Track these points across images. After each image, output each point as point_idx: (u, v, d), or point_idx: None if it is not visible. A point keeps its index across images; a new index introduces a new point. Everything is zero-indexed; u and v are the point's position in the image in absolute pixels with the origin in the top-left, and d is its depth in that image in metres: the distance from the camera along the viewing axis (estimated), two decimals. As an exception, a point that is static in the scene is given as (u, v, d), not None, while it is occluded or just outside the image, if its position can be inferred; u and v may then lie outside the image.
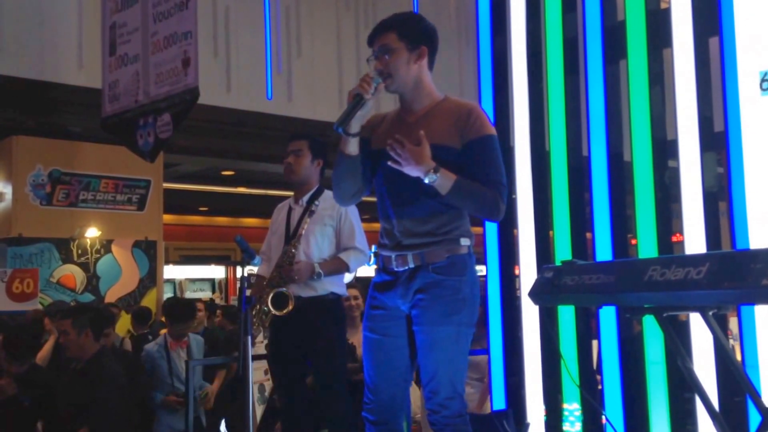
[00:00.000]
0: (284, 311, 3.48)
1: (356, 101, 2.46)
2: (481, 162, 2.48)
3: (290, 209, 3.78)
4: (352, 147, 2.55)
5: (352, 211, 3.71)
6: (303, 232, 3.61)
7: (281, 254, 3.63)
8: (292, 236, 3.67)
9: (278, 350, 3.71)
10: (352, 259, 3.65)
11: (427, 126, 2.52)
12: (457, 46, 9.20)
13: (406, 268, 2.52)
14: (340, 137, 2.56)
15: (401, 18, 2.62)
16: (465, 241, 2.54)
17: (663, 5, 3.46)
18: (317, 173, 3.81)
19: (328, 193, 3.74)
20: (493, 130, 2.54)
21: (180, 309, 5.23)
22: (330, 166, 2.96)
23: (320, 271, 3.56)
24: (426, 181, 2.41)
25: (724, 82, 3.10)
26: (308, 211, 3.65)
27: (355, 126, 2.52)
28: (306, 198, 3.74)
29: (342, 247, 3.68)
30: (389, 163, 2.47)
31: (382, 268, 2.61)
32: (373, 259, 11.19)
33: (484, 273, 4.09)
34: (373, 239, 2.87)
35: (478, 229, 4.10)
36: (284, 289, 3.50)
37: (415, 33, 2.57)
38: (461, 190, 2.44)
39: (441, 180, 2.41)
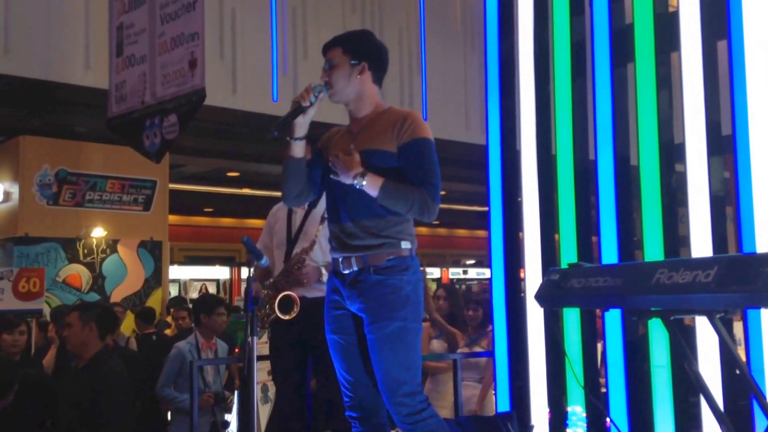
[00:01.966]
0: (290, 315, 3.49)
1: (295, 109, 2.66)
2: (413, 164, 2.63)
3: (291, 211, 3.79)
4: (296, 150, 2.72)
5: None
6: (315, 238, 3.63)
7: (290, 259, 3.63)
8: (295, 238, 3.68)
9: (282, 351, 3.72)
10: None
11: (367, 133, 2.71)
12: (462, 50, 9.20)
13: (351, 270, 2.67)
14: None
15: (349, 35, 2.83)
16: (406, 244, 2.67)
17: (671, 9, 3.46)
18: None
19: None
20: (427, 134, 2.67)
21: (209, 301, 5.32)
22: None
23: (326, 273, 3.58)
24: (355, 185, 2.58)
25: (732, 86, 3.10)
26: (322, 218, 3.67)
27: (298, 131, 2.70)
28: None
29: None
30: (331, 176, 2.68)
31: (333, 270, 2.78)
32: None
33: (488, 275, 4.10)
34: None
35: (483, 233, 4.10)
36: (291, 293, 3.52)
37: (358, 49, 2.76)
38: (389, 192, 2.59)
39: (368, 183, 2.58)
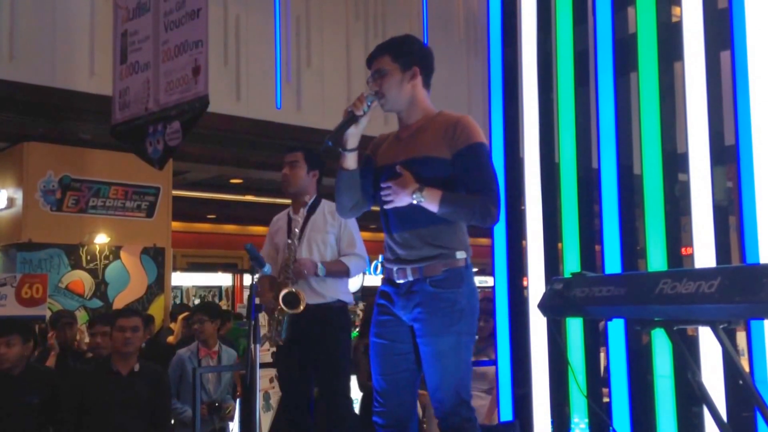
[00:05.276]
0: (297, 310, 3.53)
1: (348, 118, 2.60)
2: (470, 169, 2.59)
3: (290, 220, 3.84)
4: (349, 162, 2.68)
5: (352, 220, 3.78)
6: (305, 238, 3.67)
7: (284, 252, 3.68)
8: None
9: (285, 358, 3.73)
10: (353, 263, 3.74)
11: (418, 140, 2.66)
12: (465, 57, 9.21)
13: (406, 280, 2.63)
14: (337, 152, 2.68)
15: (395, 41, 2.77)
16: (461, 254, 2.63)
17: (674, 19, 3.47)
18: (314, 184, 3.90)
19: (326, 203, 3.82)
20: (481, 138, 2.63)
21: (208, 305, 5.34)
22: (331, 174, 3.07)
23: (322, 266, 3.62)
24: (414, 202, 2.53)
25: (735, 95, 3.10)
26: (307, 221, 3.74)
27: (351, 142, 2.65)
28: (305, 209, 3.80)
29: (342, 253, 3.75)
30: (386, 206, 2.62)
31: (387, 278, 2.72)
32: (380, 268, 11.25)
33: (491, 284, 4.09)
34: (381, 248, 2.91)
35: (485, 240, 4.10)
36: (293, 288, 3.56)
37: (407, 55, 2.71)
38: (449, 203, 2.55)
39: (427, 197, 2.53)
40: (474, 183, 2.57)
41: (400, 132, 2.76)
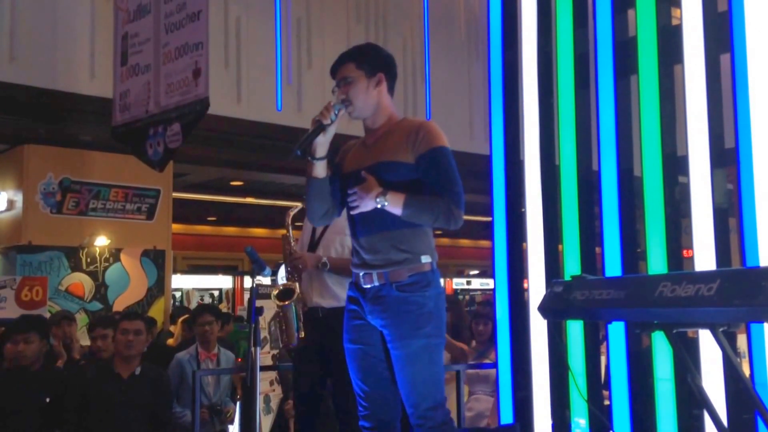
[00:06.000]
0: (288, 301, 3.56)
1: (316, 128, 2.64)
2: (433, 173, 2.63)
3: None
4: (318, 170, 2.72)
5: None
6: (324, 239, 3.71)
7: (283, 248, 3.72)
8: (316, 245, 3.74)
9: (300, 360, 3.74)
10: None
11: (383, 145, 2.71)
12: (466, 60, 9.21)
13: (372, 285, 2.67)
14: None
15: (359, 49, 2.82)
16: (426, 259, 2.67)
17: (674, 21, 3.47)
18: None
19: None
20: (443, 142, 2.67)
21: (194, 310, 5.34)
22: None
23: (326, 261, 3.63)
24: (378, 206, 2.58)
25: (735, 98, 3.10)
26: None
27: (320, 151, 2.69)
28: None
29: None
30: (352, 212, 2.68)
31: (354, 283, 2.77)
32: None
33: (492, 286, 4.10)
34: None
35: (486, 243, 4.11)
36: (281, 286, 3.61)
37: (371, 62, 2.76)
38: (412, 206, 2.59)
39: (391, 202, 2.58)
40: (437, 186, 2.61)
41: (366, 138, 2.82)
